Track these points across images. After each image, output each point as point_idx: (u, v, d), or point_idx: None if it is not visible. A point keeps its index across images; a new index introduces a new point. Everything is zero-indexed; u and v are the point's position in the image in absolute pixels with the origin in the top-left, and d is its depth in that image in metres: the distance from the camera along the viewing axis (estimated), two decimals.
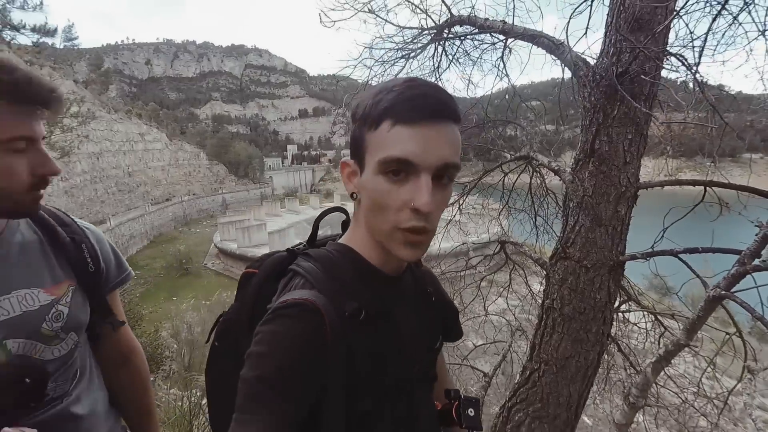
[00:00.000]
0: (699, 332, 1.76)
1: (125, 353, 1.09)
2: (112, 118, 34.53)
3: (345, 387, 0.60)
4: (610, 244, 1.91)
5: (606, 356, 2.63)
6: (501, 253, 3.14)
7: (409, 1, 2.70)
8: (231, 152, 55.70)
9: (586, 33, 1.78)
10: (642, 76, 1.55)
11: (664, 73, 1.82)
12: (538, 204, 3.08)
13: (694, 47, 1.72)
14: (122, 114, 37.89)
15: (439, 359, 0.90)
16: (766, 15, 1.66)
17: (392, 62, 2.76)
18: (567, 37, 1.79)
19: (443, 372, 0.94)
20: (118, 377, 1.06)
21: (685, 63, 1.73)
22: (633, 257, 1.91)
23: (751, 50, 1.80)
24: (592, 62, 1.88)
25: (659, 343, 2.58)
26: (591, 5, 1.92)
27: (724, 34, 1.76)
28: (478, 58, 2.67)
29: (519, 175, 3.09)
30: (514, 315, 3.72)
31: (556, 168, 2.25)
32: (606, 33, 1.76)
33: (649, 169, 2.52)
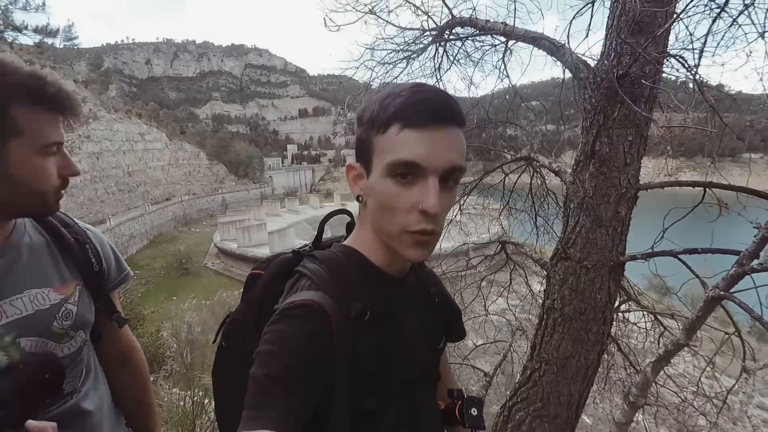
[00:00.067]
0: (698, 332, 1.77)
1: (126, 352, 1.11)
2: (112, 117, 34.52)
3: (350, 386, 0.61)
4: (611, 244, 1.92)
5: (606, 356, 2.65)
6: (501, 253, 3.16)
7: (411, 3, 2.71)
8: (231, 152, 55.70)
9: (587, 36, 1.79)
10: (642, 81, 1.56)
11: (664, 72, 1.83)
12: (539, 204, 3.09)
13: (693, 49, 1.74)
14: (122, 114, 37.89)
15: (443, 359, 0.91)
16: (765, 17, 1.67)
17: (393, 64, 2.77)
18: (568, 39, 1.80)
19: (447, 372, 0.95)
20: (119, 376, 1.08)
21: (685, 64, 1.75)
22: (633, 258, 1.92)
23: (750, 52, 1.82)
24: (592, 63, 1.90)
25: (659, 343, 2.59)
26: (592, 7, 1.93)
27: (723, 36, 1.78)
28: (479, 59, 2.68)
29: (519, 176, 3.10)
30: (514, 315, 3.73)
31: (556, 169, 2.26)
32: (606, 35, 1.78)
33: (649, 168, 2.53)
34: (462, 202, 3.35)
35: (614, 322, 2.37)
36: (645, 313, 2.68)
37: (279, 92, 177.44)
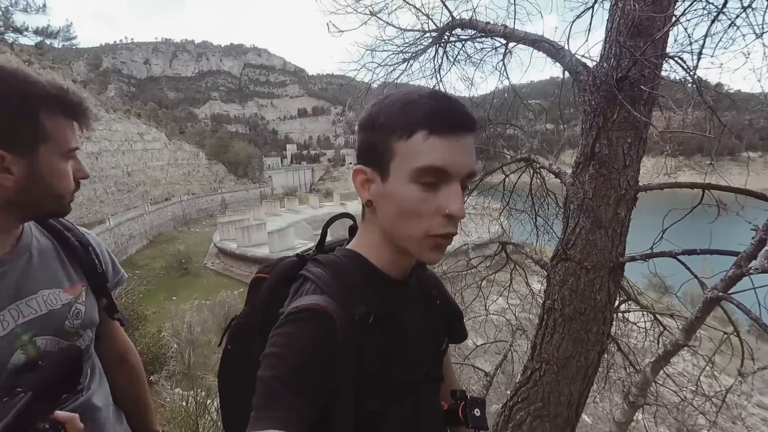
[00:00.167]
0: (698, 331, 1.79)
1: (122, 352, 1.15)
2: (111, 117, 34.46)
3: (354, 388, 0.62)
4: (610, 245, 1.94)
5: (606, 355, 2.66)
6: (502, 253, 3.17)
7: (411, 4, 2.71)
8: (230, 152, 55.64)
9: (587, 39, 1.80)
10: (642, 87, 1.57)
11: (663, 72, 1.85)
12: (539, 205, 3.11)
13: (692, 51, 1.75)
14: (121, 114, 37.81)
15: (445, 360, 0.92)
16: (763, 18, 1.69)
17: (394, 66, 2.78)
18: (568, 42, 1.82)
19: (450, 373, 0.96)
20: (116, 376, 1.11)
21: (684, 66, 1.76)
22: (633, 259, 1.94)
23: (748, 53, 1.84)
24: (591, 64, 1.91)
25: (658, 343, 2.61)
26: (592, 10, 1.95)
27: (721, 38, 1.79)
28: (480, 60, 2.69)
29: (519, 177, 3.11)
30: (514, 314, 3.75)
31: (556, 171, 2.28)
32: (606, 38, 1.79)
33: (648, 168, 2.55)
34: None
35: (614, 322, 2.39)
36: (644, 312, 2.70)
37: (278, 92, 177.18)
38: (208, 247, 25.39)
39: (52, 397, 0.75)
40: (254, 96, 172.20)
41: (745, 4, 1.68)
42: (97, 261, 1.00)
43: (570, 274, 2.04)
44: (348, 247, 0.75)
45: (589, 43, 1.96)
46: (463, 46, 2.74)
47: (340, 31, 2.55)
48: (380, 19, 2.74)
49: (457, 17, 2.56)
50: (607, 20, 1.79)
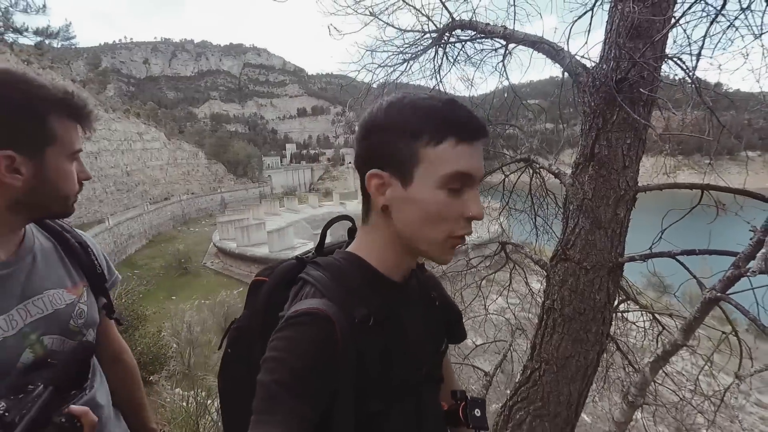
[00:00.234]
0: (696, 331, 1.79)
1: (118, 351, 1.16)
2: (110, 117, 34.40)
3: (355, 388, 0.63)
4: (610, 246, 1.94)
5: (605, 355, 2.67)
6: (501, 253, 3.18)
7: (411, 5, 2.72)
8: (230, 151, 55.56)
9: (587, 41, 1.81)
10: (641, 89, 1.58)
11: (663, 72, 1.85)
12: (538, 205, 3.11)
13: (691, 53, 1.76)
14: (120, 113, 37.74)
15: (445, 361, 0.93)
16: (762, 20, 1.70)
17: (394, 67, 2.79)
18: (567, 44, 1.82)
19: (449, 373, 0.97)
20: (112, 374, 1.12)
21: (683, 67, 1.77)
22: (632, 259, 1.94)
23: (747, 53, 1.85)
24: (591, 65, 1.91)
25: (657, 342, 2.62)
26: (592, 11, 1.95)
27: (720, 39, 1.80)
28: (480, 61, 2.70)
29: (519, 177, 3.12)
30: (514, 314, 3.76)
31: (556, 171, 2.29)
32: (605, 40, 1.80)
33: (648, 167, 2.55)
34: None
35: (613, 322, 2.40)
36: (643, 312, 2.71)
37: (277, 91, 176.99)
38: (207, 246, 25.38)
39: (64, 393, 0.77)
40: (254, 95, 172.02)
41: (744, 6, 1.69)
42: (96, 262, 1.02)
43: (569, 274, 2.05)
44: (348, 249, 0.76)
45: (588, 45, 1.96)
46: (462, 47, 2.74)
47: (341, 34, 2.55)
48: (380, 20, 2.75)
49: (457, 18, 2.57)
50: (607, 22, 1.80)
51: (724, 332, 2.01)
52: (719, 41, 1.79)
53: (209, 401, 3.06)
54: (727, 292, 1.46)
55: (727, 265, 1.54)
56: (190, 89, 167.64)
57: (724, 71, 1.91)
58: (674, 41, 1.89)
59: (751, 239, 1.40)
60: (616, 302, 2.30)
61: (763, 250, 1.24)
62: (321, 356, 0.60)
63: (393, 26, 2.80)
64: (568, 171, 2.14)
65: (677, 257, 1.79)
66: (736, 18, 1.72)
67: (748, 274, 1.28)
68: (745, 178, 2.20)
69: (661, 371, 2.19)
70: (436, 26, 2.68)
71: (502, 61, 2.53)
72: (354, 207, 29.45)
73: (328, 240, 0.84)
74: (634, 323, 2.89)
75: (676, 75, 1.95)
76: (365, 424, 0.65)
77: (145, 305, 6.71)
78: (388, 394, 0.68)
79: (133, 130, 38.47)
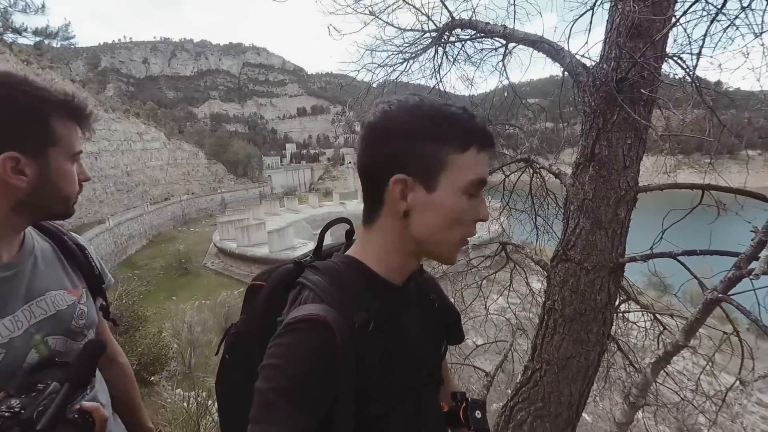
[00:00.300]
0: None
1: (112, 353, 1.17)
2: (110, 117, 34.38)
3: (355, 391, 0.62)
4: (610, 246, 1.94)
5: (606, 355, 2.67)
6: (502, 253, 3.18)
7: (411, 4, 2.71)
8: (229, 151, 55.55)
9: (587, 40, 1.80)
10: (641, 90, 1.57)
11: (663, 71, 1.85)
12: (539, 205, 3.11)
13: (692, 52, 1.75)
14: (120, 113, 37.73)
15: (443, 362, 0.93)
16: (762, 18, 1.69)
17: (394, 67, 2.79)
18: (568, 43, 1.82)
19: (447, 374, 0.97)
20: (108, 375, 1.13)
21: (684, 66, 1.76)
22: (633, 259, 1.94)
23: (747, 52, 1.84)
24: (591, 64, 1.91)
25: (658, 342, 2.62)
26: (592, 10, 1.95)
27: (720, 38, 1.80)
28: (480, 61, 2.69)
29: (519, 177, 3.12)
30: (514, 314, 3.75)
31: (556, 171, 2.28)
32: (606, 39, 1.79)
33: (648, 166, 2.54)
34: None
35: (614, 322, 2.39)
36: (644, 312, 2.70)
37: (277, 91, 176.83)
38: (207, 246, 25.40)
39: (78, 390, 0.78)
40: (253, 95, 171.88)
41: (744, 5, 1.68)
42: (93, 263, 1.03)
43: (570, 274, 2.04)
44: (348, 253, 0.75)
45: (588, 44, 1.96)
46: (462, 46, 2.74)
47: (340, 34, 2.55)
48: (380, 19, 2.74)
49: (457, 17, 2.56)
50: (607, 21, 1.79)
51: (725, 332, 2.00)
52: (719, 40, 1.78)
53: (210, 402, 3.06)
54: (729, 293, 1.46)
55: (728, 265, 1.54)
56: (189, 89, 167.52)
57: (724, 70, 1.91)
58: (674, 40, 1.89)
59: (752, 240, 1.39)
60: (616, 302, 2.30)
61: (765, 252, 1.24)
62: (320, 362, 0.59)
63: (393, 25, 2.80)
64: (569, 171, 2.14)
65: (678, 257, 1.78)
66: (736, 17, 1.71)
67: (751, 276, 1.28)
68: (746, 177, 2.20)
69: (662, 371, 2.19)
70: (436, 25, 2.68)
71: (502, 60, 2.53)
72: (354, 207, 29.45)
73: (329, 240, 0.84)
74: (635, 323, 2.89)
75: (676, 74, 1.95)
76: (365, 427, 0.64)
77: (145, 306, 6.70)
78: (389, 396, 0.68)
79: (133, 130, 38.46)
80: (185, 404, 3.01)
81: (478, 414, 0.84)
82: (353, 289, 0.67)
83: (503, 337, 3.88)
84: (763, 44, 1.76)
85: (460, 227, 0.67)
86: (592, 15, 1.92)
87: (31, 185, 0.78)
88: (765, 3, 1.67)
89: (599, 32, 1.92)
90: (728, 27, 1.76)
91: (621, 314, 2.77)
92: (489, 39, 2.51)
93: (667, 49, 1.79)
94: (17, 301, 0.81)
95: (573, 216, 2.01)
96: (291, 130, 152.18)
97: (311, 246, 0.86)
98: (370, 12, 2.75)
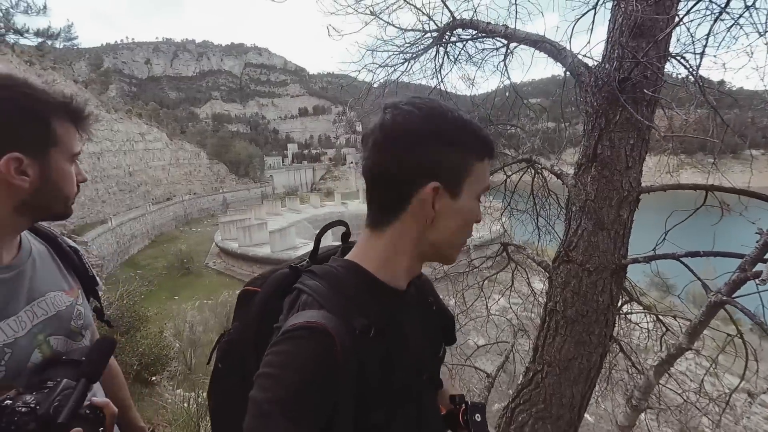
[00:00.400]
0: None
1: None
2: (113, 117, 34.47)
3: (356, 397, 0.61)
4: (613, 247, 1.92)
5: (608, 356, 2.65)
6: (503, 253, 3.16)
7: (412, 4, 2.70)
8: (231, 151, 55.62)
9: (589, 40, 1.79)
10: (644, 90, 1.56)
11: (666, 71, 1.83)
12: (540, 205, 3.10)
13: (695, 51, 1.74)
14: (122, 114, 37.81)
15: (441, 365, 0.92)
16: (766, 17, 1.68)
17: (395, 67, 2.78)
18: (570, 43, 1.80)
19: (445, 377, 0.96)
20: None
21: (687, 65, 1.75)
22: (635, 261, 1.92)
23: (752, 51, 1.82)
24: (594, 64, 1.89)
25: (660, 343, 2.60)
26: (594, 10, 1.93)
27: (724, 37, 1.78)
28: (481, 61, 2.68)
29: (521, 177, 3.10)
30: (516, 315, 3.74)
31: (558, 172, 2.27)
32: (608, 39, 1.78)
33: (650, 166, 2.52)
34: None
35: (616, 323, 2.37)
36: (647, 313, 2.68)
37: (279, 91, 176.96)
38: (209, 246, 25.44)
39: (91, 386, 0.79)
40: (255, 95, 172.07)
41: (749, 4, 1.67)
42: (87, 266, 1.04)
43: (572, 276, 2.03)
44: (347, 257, 0.73)
45: (591, 43, 1.94)
46: (464, 46, 2.73)
47: (341, 34, 2.54)
48: (381, 19, 2.73)
49: (458, 17, 2.55)
50: (609, 21, 1.78)
51: (728, 334, 1.98)
52: (723, 39, 1.77)
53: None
54: (733, 295, 1.44)
55: (732, 266, 1.52)
56: (191, 89, 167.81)
57: (727, 70, 1.90)
58: (678, 40, 1.87)
59: (757, 242, 1.38)
60: (619, 303, 2.28)
61: None
62: (319, 371, 0.57)
63: (394, 25, 2.79)
64: (571, 171, 2.12)
65: (681, 259, 1.77)
66: (740, 16, 1.70)
67: (758, 281, 1.26)
68: (750, 177, 2.18)
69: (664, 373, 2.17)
70: (437, 25, 2.67)
71: (504, 60, 2.51)
72: (356, 207, 29.45)
73: (329, 240, 0.83)
74: (637, 324, 2.87)
75: (679, 74, 1.94)
76: (367, 431, 0.63)
77: (147, 305, 6.71)
78: (390, 401, 0.67)
79: (135, 130, 38.55)
80: (186, 405, 3.01)
81: (477, 417, 0.83)
82: (352, 294, 0.66)
83: (505, 338, 3.87)
84: (767, 43, 1.74)
85: (468, 230, 0.71)
86: (594, 14, 1.91)
87: (33, 186, 0.79)
88: None
89: (601, 32, 1.91)
90: (732, 26, 1.75)
91: (623, 315, 2.75)
92: (490, 39, 2.50)
93: (670, 49, 1.78)
94: (20, 302, 0.82)
95: (575, 217, 2.00)
96: (293, 131, 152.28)
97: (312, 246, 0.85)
98: (370, 12, 2.75)
